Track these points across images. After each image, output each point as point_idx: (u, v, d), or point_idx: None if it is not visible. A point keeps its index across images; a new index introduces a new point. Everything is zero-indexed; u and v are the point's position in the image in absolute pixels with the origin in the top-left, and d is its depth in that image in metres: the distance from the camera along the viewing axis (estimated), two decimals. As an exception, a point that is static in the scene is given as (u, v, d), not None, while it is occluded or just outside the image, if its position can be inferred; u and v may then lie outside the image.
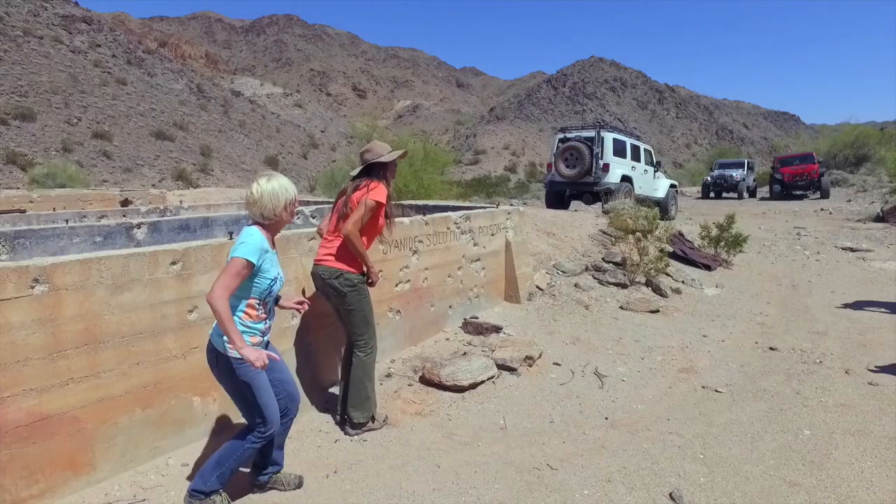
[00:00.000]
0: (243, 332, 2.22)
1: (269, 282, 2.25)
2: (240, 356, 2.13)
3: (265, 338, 2.36)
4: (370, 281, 3.13)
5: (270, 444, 2.48)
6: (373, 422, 3.20)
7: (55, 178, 16.49)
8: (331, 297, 3.11)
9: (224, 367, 2.24)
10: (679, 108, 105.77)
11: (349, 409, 3.13)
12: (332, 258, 3.02)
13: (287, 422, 2.54)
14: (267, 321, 2.35)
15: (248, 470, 2.58)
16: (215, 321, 2.24)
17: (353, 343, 3.19)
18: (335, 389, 3.57)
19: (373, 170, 3.10)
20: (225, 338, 2.16)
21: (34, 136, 33.41)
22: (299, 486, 2.62)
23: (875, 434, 3.13)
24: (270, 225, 2.30)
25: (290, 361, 3.35)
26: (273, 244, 2.34)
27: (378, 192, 2.99)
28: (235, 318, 2.21)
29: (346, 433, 3.14)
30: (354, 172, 3.16)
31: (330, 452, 2.96)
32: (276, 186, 2.23)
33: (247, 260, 2.13)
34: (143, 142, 39.35)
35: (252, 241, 2.18)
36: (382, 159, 3.08)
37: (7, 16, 42.74)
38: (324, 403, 3.49)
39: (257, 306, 2.26)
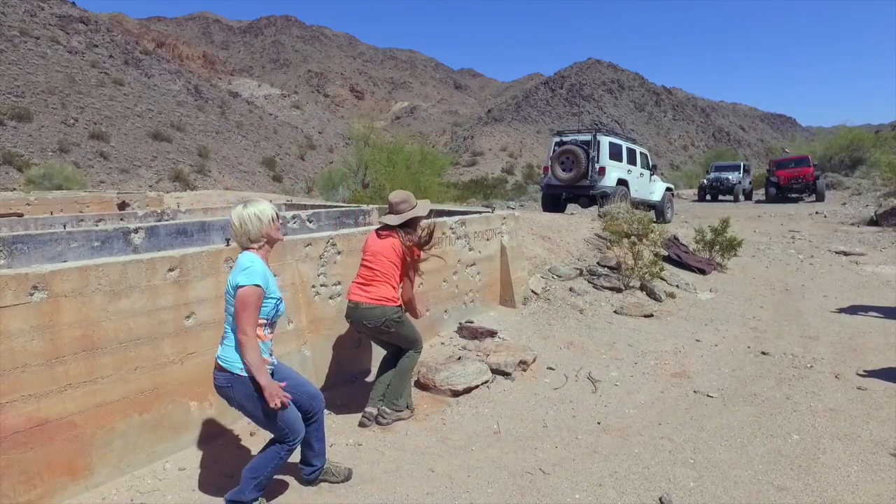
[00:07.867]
0: None
1: (274, 301, 2.32)
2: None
3: (272, 357, 2.44)
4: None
5: (306, 443, 2.55)
6: (408, 408, 3.44)
7: (52, 179, 16.42)
8: (370, 331, 3.34)
9: (243, 391, 2.27)
10: (676, 110, 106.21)
11: (391, 397, 3.36)
12: (376, 299, 3.23)
13: (318, 416, 2.60)
14: (271, 342, 2.43)
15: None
16: (221, 344, 2.31)
17: (405, 350, 3.44)
18: (330, 392, 3.61)
19: (410, 223, 3.37)
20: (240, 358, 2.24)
21: (31, 137, 33.35)
22: (348, 477, 2.72)
23: (862, 438, 3.18)
24: (261, 248, 2.35)
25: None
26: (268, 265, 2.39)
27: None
28: None
29: (379, 420, 3.32)
30: (392, 223, 3.33)
31: (325, 457, 2.99)
32: (252, 210, 2.30)
33: (255, 286, 2.19)
34: (140, 143, 39.32)
35: (254, 265, 2.23)
36: (418, 213, 3.38)
37: (4, 16, 42.66)
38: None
39: (265, 327, 2.34)
